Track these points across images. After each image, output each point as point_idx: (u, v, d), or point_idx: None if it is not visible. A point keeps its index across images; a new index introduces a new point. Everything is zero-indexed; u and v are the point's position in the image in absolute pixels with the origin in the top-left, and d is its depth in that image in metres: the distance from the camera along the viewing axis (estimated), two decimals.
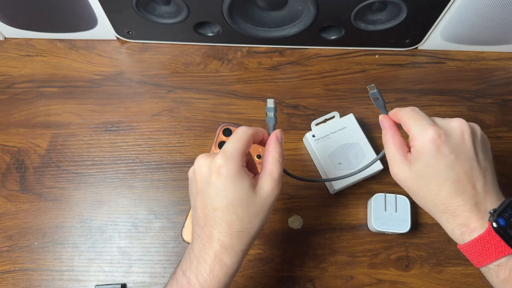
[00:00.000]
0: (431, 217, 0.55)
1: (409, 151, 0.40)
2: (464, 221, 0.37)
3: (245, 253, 0.38)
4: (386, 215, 0.52)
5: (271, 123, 0.42)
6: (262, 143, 0.41)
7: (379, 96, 0.44)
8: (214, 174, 0.36)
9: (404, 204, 0.52)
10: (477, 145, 0.39)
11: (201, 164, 0.38)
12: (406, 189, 0.40)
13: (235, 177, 0.36)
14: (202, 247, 0.37)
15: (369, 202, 0.54)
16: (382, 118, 0.43)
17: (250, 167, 0.40)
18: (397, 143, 0.40)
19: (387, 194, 0.52)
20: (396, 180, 0.40)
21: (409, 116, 0.40)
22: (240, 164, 0.37)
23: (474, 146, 0.38)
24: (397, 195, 0.52)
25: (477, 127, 0.40)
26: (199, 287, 0.37)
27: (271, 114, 0.43)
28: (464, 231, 0.37)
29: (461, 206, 0.37)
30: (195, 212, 0.39)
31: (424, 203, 0.39)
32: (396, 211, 0.51)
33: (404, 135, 0.41)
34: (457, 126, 0.38)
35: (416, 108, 0.41)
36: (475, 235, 0.36)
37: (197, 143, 0.59)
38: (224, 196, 0.36)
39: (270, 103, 0.43)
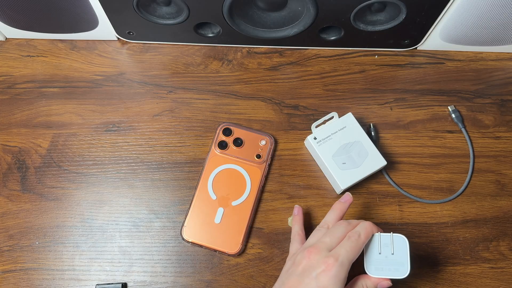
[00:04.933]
0: (430, 216, 0.56)
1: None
2: None
3: None
4: (381, 259, 0.45)
5: None
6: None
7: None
8: (320, 270, 0.41)
9: (401, 244, 0.45)
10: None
11: (312, 255, 0.43)
12: None
13: (338, 282, 0.41)
14: None
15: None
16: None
17: None
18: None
19: (381, 234, 0.45)
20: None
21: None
22: (346, 274, 0.42)
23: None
24: (394, 234, 0.45)
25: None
26: None
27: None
28: None
29: None
30: (279, 285, 0.44)
31: None
32: (392, 253, 0.45)
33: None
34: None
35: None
36: None
37: (197, 143, 0.59)
38: None
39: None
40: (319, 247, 0.43)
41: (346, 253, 0.42)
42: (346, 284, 0.43)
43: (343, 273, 0.41)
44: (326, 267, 0.41)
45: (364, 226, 0.44)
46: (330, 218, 0.48)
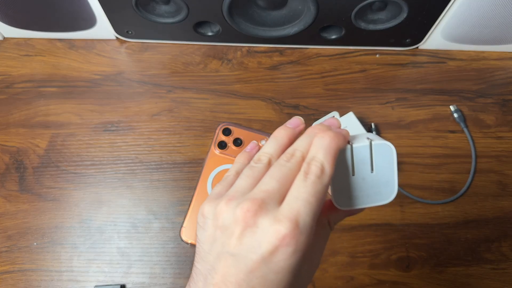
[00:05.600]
0: (432, 217, 0.56)
1: None
2: None
3: None
4: (356, 182, 0.29)
5: None
6: None
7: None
8: (271, 248, 0.24)
9: (384, 155, 0.29)
10: None
11: (249, 218, 0.25)
12: None
13: (301, 259, 0.25)
14: None
15: None
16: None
17: None
18: None
19: (354, 146, 0.28)
20: None
21: None
22: (311, 241, 0.25)
23: None
24: (374, 143, 0.28)
25: None
26: None
27: None
28: None
29: None
30: (210, 273, 0.26)
31: None
32: (372, 171, 0.29)
33: None
34: None
35: None
36: None
37: (197, 143, 0.59)
38: (273, 280, 0.24)
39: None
40: (261, 201, 0.25)
41: (306, 208, 0.25)
42: None
43: (307, 243, 0.25)
44: (280, 243, 0.24)
45: (325, 145, 0.26)
46: (271, 149, 0.28)
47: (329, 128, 0.28)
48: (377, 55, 0.64)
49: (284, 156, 0.27)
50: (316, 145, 0.26)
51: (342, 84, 0.62)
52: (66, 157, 0.58)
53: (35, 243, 0.54)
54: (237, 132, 0.58)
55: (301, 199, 0.25)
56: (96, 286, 0.52)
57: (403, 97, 0.62)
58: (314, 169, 0.26)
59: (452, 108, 0.60)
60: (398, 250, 0.54)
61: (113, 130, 0.59)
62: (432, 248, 0.54)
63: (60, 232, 0.55)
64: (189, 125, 0.60)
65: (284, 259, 0.24)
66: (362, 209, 0.30)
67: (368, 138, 0.28)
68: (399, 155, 0.58)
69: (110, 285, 0.52)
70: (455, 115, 0.60)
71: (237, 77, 0.62)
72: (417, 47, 0.64)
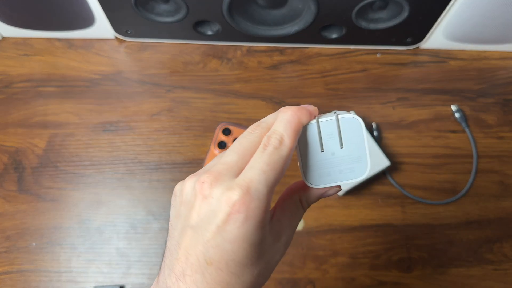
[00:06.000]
0: (433, 217, 0.55)
1: None
2: None
3: None
4: (326, 158, 0.29)
5: None
6: None
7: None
8: (223, 216, 0.24)
9: (353, 129, 0.28)
10: None
11: (206, 189, 0.25)
12: None
13: (255, 227, 0.24)
14: None
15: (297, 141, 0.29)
16: None
17: None
18: None
19: (320, 120, 0.28)
20: None
21: None
22: (267, 209, 0.25)
23: None
24: (340, 116, 0.28)
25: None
26: None
27: None
28: None
29: None
30: (175, 248, 0.26)
31: None
32: (342, 147, 0.29)
33: None
34: None
35: None
36: None
37: (196, 143, 0.58)
38: (228, 250, 0.24)
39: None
40: (218, 172, 0.25)
41: (260, 176, 0.25)
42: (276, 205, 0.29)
43: (260, 210, 0.24)
44: (231, 210, 0.24)
45: (286, 119, 0.27)
46: (269, 119, 0.28)
47: (296, 106, 0.28)
48: (378, 55, 0.64)
49: (249, 128, 0.28)
50: (278, 119, 0.27)
51: (342, 83, 0.62)
52: (65, 157, 0.57)
53: (34, 244, 0.54)
54: (237, 132, 0.57)
55: (255, 168, 0.25)
56: (95, 286, 0.52)
57: (404, 97, 0.61)
58: (273, 140, 0.26)
59: (453, 108, 0.60)
60: (399, 251, 0.54)
61: (112, 130, 0.59)
62: (434, 248, 0.54)
63: (59, 232, 0.54)
64: (188, 125, 0.59)
65: (237, 227, 0.24)
66: (337, 190, 0.29)
67: (335, 112, 0.28)
68: (400, 155, 0.58)
69: (109, 285, 0.52)
70: (457, 115, 0.59)
71: (237, 76, 0.62)
72: (418, 47, 0.64)
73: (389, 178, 0.57)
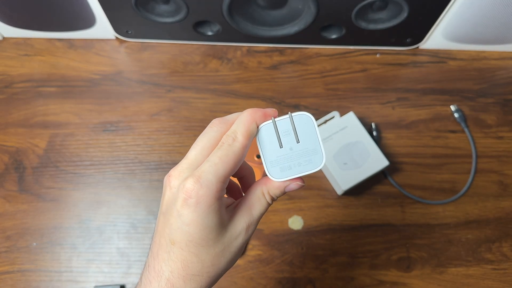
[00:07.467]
0: (432, 217, 0.55)
1: None
2: None
3: None
4: (285, 153, 0.32)
5: None
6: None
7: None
8: (180, 201, 0.28)
9: (306, 125, 0.32)
10: None
11: (172, 181, 0.30)
12: None
13: (206, 211, 0.28)
14: (148, 283, 0.30)
15: (256, 140, 0.33)
16: None
17: (231, 189, 0.35)
18: None
19: (276, 120, 0.32)
20: None
21: None
22: (216, 196, 0.29)
23: None
24: (292, 114, 0.32)
25: None
26: None
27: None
28: None
29: None
30: (154, 234, 0.31)
31: None
32: (298, 141, 0.32)
33: None
34: None
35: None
36: None
37: None
38: (186, 232, 0.29)
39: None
40: (180, 168, 0.30)
41: (211, 168, 0.29)
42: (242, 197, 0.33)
43: (210, 196, 0.28)
44: (185, 196, 0.28)
45: (242, 119, 0.31)
46: (230, 116, 0.32)
47: (254, 108, 0.32)
48: (378, 55, 0.64)
49: (212, 123, 0.32)
50: (237, 120, 0.31)
51: (342, 83, 0.62)
52: (65, 157, 0.58)
53: (34, 244, 0.54)
54: None
55: (209, 161, 0.29)
56: (95, 286, 0.52)
57: (404, 97, 0.61)
58: (228, 138, 0.30)
59: (452, 108, 0.60)
60: (398, 251, 0.54)
61: (112, 130, 0.59)
62: (433, 248, 0.54)
63: (59, 232, 0.54)
64: (188, 125, 0.59)
65: (190, 211, 0.28)
66: (298, 184, 0.32)
67: (289, 112, 0.32)
68: (400, 155, 0.58)
69: (110, 285, 0.52)
70: (456, 115, 0.60)
71: (237, 76, 0.62)
72: (418, 47, 0.64)
73: (389, 178, 0.57)
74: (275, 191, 0.32)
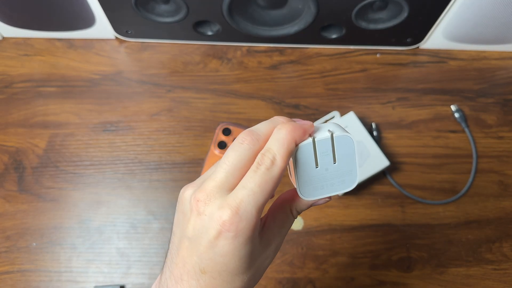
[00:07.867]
0: (432, 217, 0.55)
1: None
2: None
3: None
4: (320, 174, 0.30)
5: None
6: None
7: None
8: (215, 233, 0.26)
9: (345, 146, 0.30)
10: None
11: (201, 207, 0.27)
12: None
13: (244, 243, 0.26)
14: None
15: (292, 158, 0.30)
16: None
17: None
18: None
19: (317, 139, 0.29)
20: None
21: None
22: (256, 228, 0.27)
23: None
24: (335, 135, 0.29)
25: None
26: None
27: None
28: None
29: None
30: (175, 253, 0.29)
31: None
32: (335, 162, 0.30)
33: None
34: None
35: None
36: None
37: (196, 143, 0.58)
38: (220, 262, 0.27)
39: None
40: (209, 190, 0.27)
41: (250, 197, 0.26)
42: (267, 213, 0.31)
43: (249, 229, 0.26)
44: (222, 228, 0.26)
45: (281, 138, 0.27)
46: (262, 129, 0.28)
47: (290, 120, 0.29)
48: (378, 55, 0.64)
49: (240, 137, 0.28)
50: (273, 137, 0.27)
51: (342, 83, 0.62)
52: (65, 157, 0.58)
53: (34, 244, 0.54)
54: (237, 132, 0.57)
55: (246, 188, 0.26)
56: (95, 286, 0.52)
57: (404, 97, 0.61)
58: (266, 160, 0.27)
59: (453, 108, 0.60)
60: (399, 251, 0.54)
61: (112, 130, 0.59)
62: (433, 248, 0.54)
63: (59, 232, 0.54)
64: (188, 125, 0.59)
65: (227, 243, 0.26)
66: (327, 200, 0.31)
67: (329, 131, 0.29)
68: (400, 155, 0.58)
69: (110, 285, 0.52)
70: (456, 115, 0.60)
71: (237, 76, 0.62)
72: (418, 47, 0.64)
73: (389, 178, 0.57)
74: (302, 207, 0.31)
